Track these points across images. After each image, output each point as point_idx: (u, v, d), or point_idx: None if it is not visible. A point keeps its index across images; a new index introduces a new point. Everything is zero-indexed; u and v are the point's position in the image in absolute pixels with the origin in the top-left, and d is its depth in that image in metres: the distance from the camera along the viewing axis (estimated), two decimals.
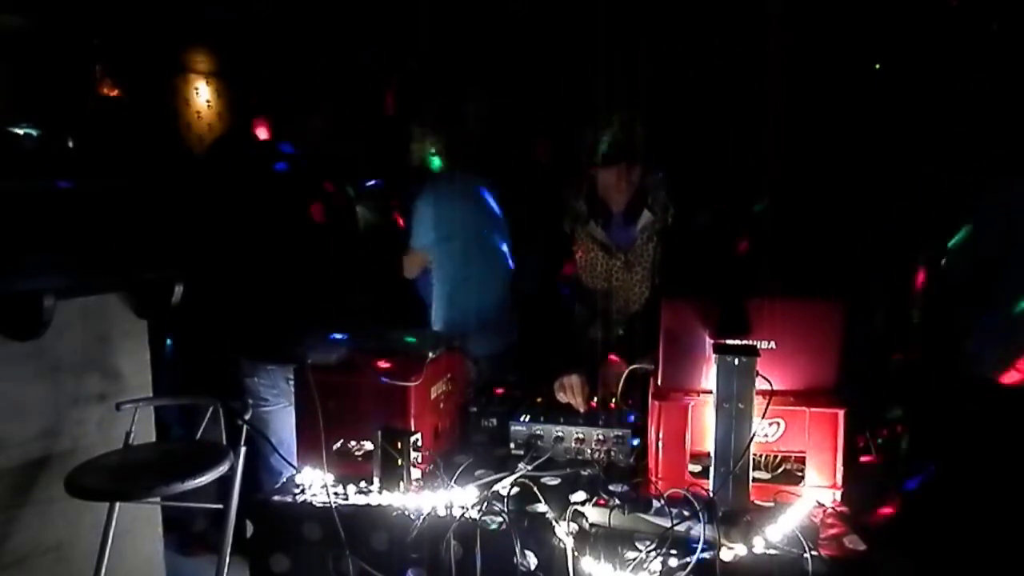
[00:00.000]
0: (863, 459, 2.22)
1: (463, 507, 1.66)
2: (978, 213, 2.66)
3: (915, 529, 1.94)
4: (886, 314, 3.29)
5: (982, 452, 2.48)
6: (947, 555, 2.11)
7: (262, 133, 2.97)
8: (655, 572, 1.48)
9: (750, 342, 1.67)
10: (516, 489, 1.76)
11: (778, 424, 1.71)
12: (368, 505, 1.73)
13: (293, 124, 2.83)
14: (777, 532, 1.52)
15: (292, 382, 2.52)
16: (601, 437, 1.95)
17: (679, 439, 1.74)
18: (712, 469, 1.64)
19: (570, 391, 2.19)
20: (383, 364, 1.93)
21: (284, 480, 1.89)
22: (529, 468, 1.88)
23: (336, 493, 1.75)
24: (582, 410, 2.14)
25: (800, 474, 1.73)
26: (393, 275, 3.17)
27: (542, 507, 1.65)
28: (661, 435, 1.75)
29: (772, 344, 1.70)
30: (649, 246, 2.52)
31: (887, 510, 2.04)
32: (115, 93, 5.82)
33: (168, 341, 3.22)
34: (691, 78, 4.71)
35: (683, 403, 1.75)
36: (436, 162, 3.15)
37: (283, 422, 2.66)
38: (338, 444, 1.92)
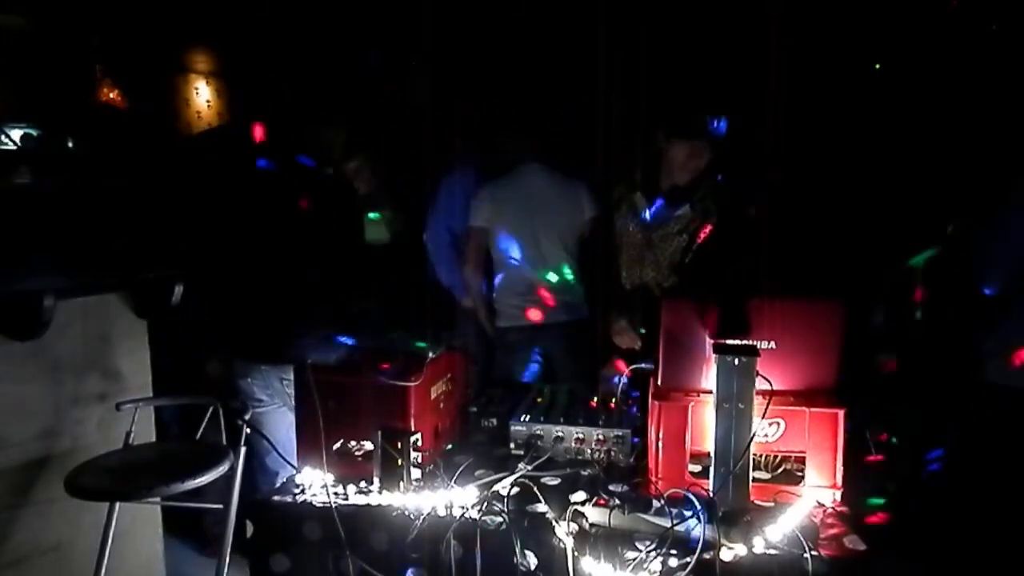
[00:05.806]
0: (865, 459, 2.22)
1: (463, 507, 1.66)
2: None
3: (915, 530, 1.93)
4: (886, 314, 3.28)
5: (995, 454, 2.47)
6: (947, 556, 2.11)
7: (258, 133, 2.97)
8: (655, 572, 1.48)
9: (750, 342, 1.67)
10: (516, 489, 1.76)
11: (778, 424, 1.71)
12: (368, 505, 1.73)
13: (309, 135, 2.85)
14: (777, 532, 1.52)
15: (286, 383, 2.53)
16: (601, 437, 1.94)
17: (679, 439, 1.74)
18: (712, 469, 1.64)
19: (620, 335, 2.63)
20: (383, 364, 1.93)
21: (283, 480, 1.89)
22: (529, 468, 1.87)
23: (336, 493, 1.75)
24: (637, 347, 2.58)
25: (800, 474, 1.73)
26: (396, 280, 3.19)
27: (542, 507, 1.65)
28: (661, 435, 1.75)
29: (772, 344, 1.70)
30: (676, 240, 2.55)
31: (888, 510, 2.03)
32: (115, 93, 5.83)
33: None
34: (690, 79, 4.71)
35: (683, 403, 1.75)
36: None
37: (277, 423, 2.66)
38: (338, 444, 1.92)
